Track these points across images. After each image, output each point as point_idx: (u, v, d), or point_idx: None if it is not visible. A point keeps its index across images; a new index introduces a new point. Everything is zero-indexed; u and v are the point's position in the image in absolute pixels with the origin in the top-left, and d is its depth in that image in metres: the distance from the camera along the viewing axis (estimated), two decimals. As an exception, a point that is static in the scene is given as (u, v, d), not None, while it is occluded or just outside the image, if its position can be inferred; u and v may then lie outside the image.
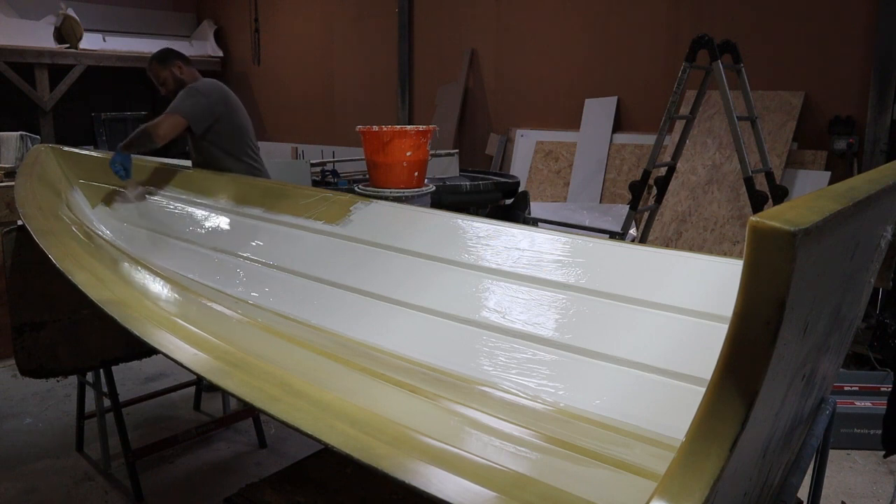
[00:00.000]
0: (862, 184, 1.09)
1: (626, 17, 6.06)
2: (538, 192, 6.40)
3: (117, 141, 3.42)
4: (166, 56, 3.59)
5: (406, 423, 1.39)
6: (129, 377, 4.08)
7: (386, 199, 2.90)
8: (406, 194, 3.14)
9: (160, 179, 3.28)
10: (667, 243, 5.19)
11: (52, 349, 2.91)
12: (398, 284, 2.17)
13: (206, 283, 2.44)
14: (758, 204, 4.07)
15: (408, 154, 3.14)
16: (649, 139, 5.45)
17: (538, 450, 1.39)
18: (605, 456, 1.35)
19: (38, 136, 6.66)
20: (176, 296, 2.33)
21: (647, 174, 4.50)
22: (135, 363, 3.38)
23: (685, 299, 1.74)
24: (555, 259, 2.04)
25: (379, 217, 2.60)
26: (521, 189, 5.33)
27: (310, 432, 1.30)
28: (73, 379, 3.42)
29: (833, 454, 3.18)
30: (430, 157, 3.36)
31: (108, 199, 3.18)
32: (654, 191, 4.77)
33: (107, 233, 2.89)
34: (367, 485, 2.05)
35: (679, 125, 4.76)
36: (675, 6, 5.74)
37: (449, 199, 4.50)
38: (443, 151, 5.62)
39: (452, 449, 1.30)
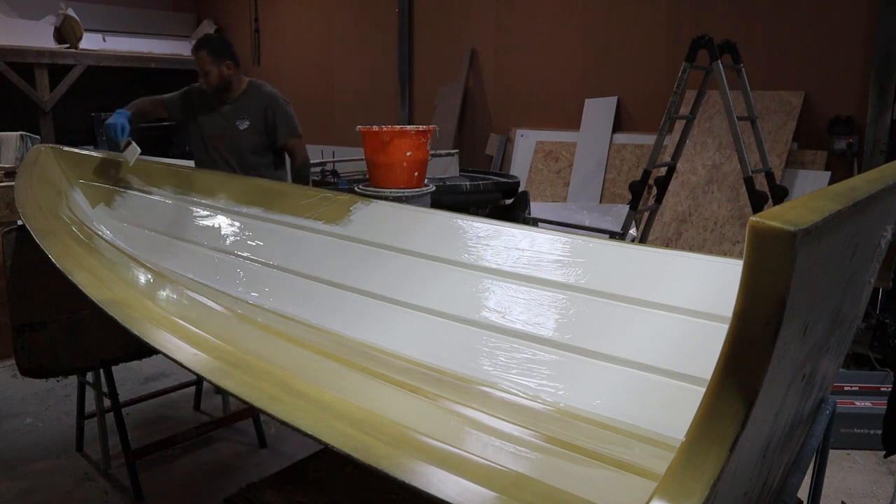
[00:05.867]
0: (862, 184, 1.09)
1: (625, 18, 6.06)
2: (538, 192, 6.40)
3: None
4: (220, 52, 3.53)
5: (406, 423, 1.40)
6: (129, 377, 4.08)
7: (386, 199, 2.90)
8: (406, 194, 3.13)
9: (160, 179, 3.28)
10: (667, 243, 5.19)
11: (52, 349, 2.91)
12: (398, 284, 2.17)
13: (206, 283, 2.44)
14: (758, 204, 4.07)
15: (408, 154, 3.14)
16: (649, 139, 5.45)
17: (538, 450, 1.39)
18: (605, 456, 1.35)
19: (38, 136, 6.64)
20: (176, 296, 2.34)
21: (647, 174, 4.50)
22: (135, 363, 3.37)
23: (685, 299, 1.74)
24: (555, 259, 2.04)
25: (379, 217, 2.60)
26: (521, 189, 5.32)
27: (310, 432, 1.29)
28: (73, 379, 3.42)
29: (833, 454, 3.18)
30: (430, 157, 3.35)
31: (108, 199, 3.18)
32: (654, 191, 4.77)
33: (107, 233, 2.89)
34: (367, 485, 2.05)
35: (679, 125, 4.75)
36: (675, 6, 5.74)
37: (449, 199, 4.49)
38: (443, 151, 5.61)
39: (452, 449, 1.30)
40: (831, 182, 4.80)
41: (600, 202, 6.00)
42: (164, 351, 1.74)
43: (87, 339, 2.97)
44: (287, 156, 3.76)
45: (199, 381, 3.68)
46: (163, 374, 4.17)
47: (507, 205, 5.12)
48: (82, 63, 8.62)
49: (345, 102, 8.66)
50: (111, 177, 3.25)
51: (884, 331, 3.72)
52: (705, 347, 1.26)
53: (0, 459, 3.24)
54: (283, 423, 1.35)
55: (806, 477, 1.63)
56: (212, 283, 2.44)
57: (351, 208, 2.67)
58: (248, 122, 3.59)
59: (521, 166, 6.70)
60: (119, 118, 3.43)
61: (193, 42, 3.70)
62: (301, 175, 3.70)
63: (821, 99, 5.01)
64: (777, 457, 1.31)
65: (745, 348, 0.81)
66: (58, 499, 2.94)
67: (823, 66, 5.01)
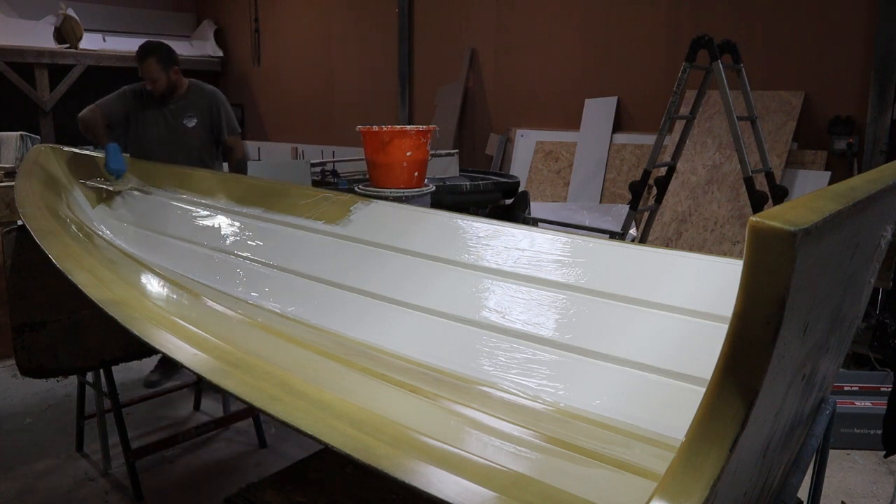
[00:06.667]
0: (862, 184, 1.09)
1: (625, 17, 6.06)
2: (538, 192, 6.40)
3: (117, 141, 3.43)
4: (168, 59, 3.62)
5: (406, 423, 1.39)
6: (129, 377, 4.08)
7: (386, 199, 2.90)
8: (406, 194, 3.13)
9: (160, 179, 3.28)
10: (667, 243, 5.19)
11: (52, 349, 2.91)
12: (398, 284, 2.17)
13: (206, 283, 2.44)
14: (758, 204, 4.07)
15: (408, 154, 3.14)
16: (649, 139, 5.45)
17: (538, 450, 1.39)
18: (605, 456, 1.35)
19: (38, 136, 6.66)
20: (176, 296, 2.34)
21: (647, 174, 4.50)
22: (135, 363, 3.38)
23: (685, 299, 1.73)
24: (555, 259, 2.04)
25: (379, 217, 2.60)
26: (521, 189, 5.32)
27: (310, 432, 1.29)
28: (73, 379, 3.42)
29: (833, 454, 3.18)
30: (430, 157, 3.35)
31: (108, 199, 3.18)
32: (654, 191, 4.77)
33: (107, 233, 2.89)
34: (367, 485, 2.05)
35: (679, 125, 4.75)
36: (675, 6, 5.74)
37: (449, 199, 4.49)
38: (443, 151, 5.61)
39: (452, 449, 1.30)
40: (831, 182, 4.80)
41: (600, 202, 6.00)
42: (164, 351, 1.74)
43: (87, 339, 2.97)
44: (225, 152, 3.89)
45: (198, 380, 3.67)
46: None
47: (507, 205, 5.12)
48: (82, 63, 8.62)
49: (345, 102, 8.66)
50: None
51: (884, 331, 3.72)
52: (705, 347, 1.26)
53: (0, 459, 3.24)
54: (283, 423, 1.35)
55: (806, 477, 1.63)
56: (212, 283, 2.44)
57: (351, 208, 2.67)
58: (195, 120, 3.71)
59: (521, 166, 6.70)
60: (119, 160, 3.34)
61: (137, 49, 3.65)
62: (240, 171, 3.81)
63: (821, 99, 5.01)
64: (777, 457, 1.31)
65: (745, 348, 0.81)
66: (57, 499, 2.94)
67: (823, 66, 5.01)
